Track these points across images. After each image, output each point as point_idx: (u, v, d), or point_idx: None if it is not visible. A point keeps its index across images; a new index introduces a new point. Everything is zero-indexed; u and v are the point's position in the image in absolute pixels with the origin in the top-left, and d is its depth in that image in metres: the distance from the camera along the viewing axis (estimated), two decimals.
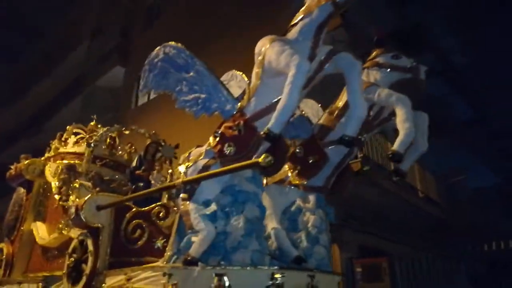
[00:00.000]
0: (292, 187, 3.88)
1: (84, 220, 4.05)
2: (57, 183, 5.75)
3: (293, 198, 3.89)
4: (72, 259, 4.10)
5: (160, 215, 4.16)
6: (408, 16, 10.03)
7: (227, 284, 2.94)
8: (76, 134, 6.96)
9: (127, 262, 3.98)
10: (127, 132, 6.18)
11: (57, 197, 5.43)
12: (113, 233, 4.13)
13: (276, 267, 3.01)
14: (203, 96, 3.46)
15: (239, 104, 3.36)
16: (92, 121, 6.82)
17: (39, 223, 5.94)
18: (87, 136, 6.65)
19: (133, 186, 5.49)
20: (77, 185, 5.08)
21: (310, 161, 3.74)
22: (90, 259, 3.89)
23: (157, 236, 4.12)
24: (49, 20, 21.72)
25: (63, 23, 21.39)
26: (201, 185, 3.34)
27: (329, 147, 3.79)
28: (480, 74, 12.47)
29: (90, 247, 3.94)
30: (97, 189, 4.61)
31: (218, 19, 11.54)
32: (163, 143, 6.03)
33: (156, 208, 4.20)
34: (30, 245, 5.97)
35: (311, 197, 3.88)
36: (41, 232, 5.77)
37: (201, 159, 3.42)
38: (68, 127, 7.03)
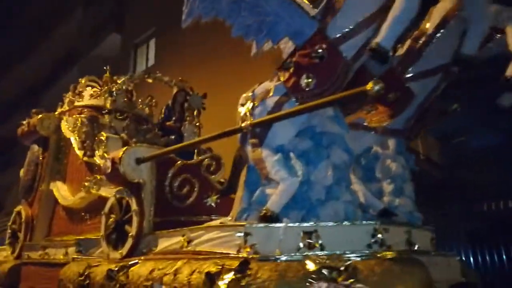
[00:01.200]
0: (368, 131, 3.30)
1: (123, 175, 3.49)
2: (77, 137, 5.18)
3: (368, 144, 3.33)
4: (112, 220, 3.57)
5: (211, 168, 3.61)
6: None
7: (319, 242, 2.43)
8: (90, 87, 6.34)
9: (175, 222, 3.46)
10: (150, 80, 5.52)
11: (79, 153, 4.86)
12: (157, 190, 3.58)
13: (376, 222, 2.49)
14: (268, 18, 2.80)
15: (318, 24, 2.70)
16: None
17: (59, 183, 5.41)
18: (105, 87, 6.01)
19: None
20: (104, 138, 4.52)
21: (391, 99, 3.14)
22: (135, 219, 3.36)
23: (208, 192, 3.59)
24: None
25: None
26: (273, 128, 2.76)
27: (413, 82, 3.19)
28: None
29: (134, 206, 3.40)
30: (134, 140, 4.03)
31: None
32: (190, 92, 5.40)
33: (206, 160, 3.64)
34: (51, 207, 5.47)
35: (391, 142, 3.31)
36: (63, 192, 5.25)
37: (270, 96, 2.81)
38: (80, 79, 6.37)
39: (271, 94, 2.81)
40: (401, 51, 3.28)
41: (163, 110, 5.25)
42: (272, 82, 2.87)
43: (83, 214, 4.74)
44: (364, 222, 2.52)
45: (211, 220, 3.34)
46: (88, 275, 3.28)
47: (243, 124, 2.78)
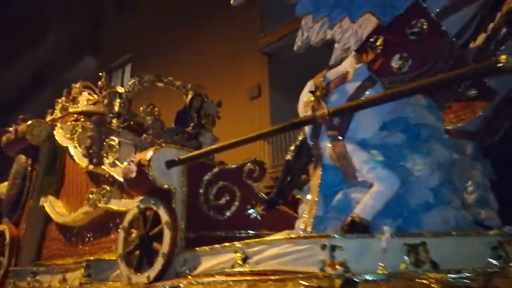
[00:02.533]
0: None
1: (152, 180, 2.91)
2: (76, 145, 4.53)
3: None
4: (134, 236, 2.94)
5: (254, 174, 3.07)
6: None
7: (429, 258, 1.93)
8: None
9: (212, 237, 2.89)
10: (160, 84, 4.97)
11: (83, 161, 4.21)
12: (189, 199, 3.00)
13: (500, 232, 2.02)
14: None
15: None
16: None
17: (52, 198, 4.71)
18: (104, 92, 5.42)
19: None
20: (115, 143, 3.92)
21: (470, 96, 2.74)
22: (168, 234, 2.75)
23: (251, 202, 3.04)
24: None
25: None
26: (355, 118, 2.28)
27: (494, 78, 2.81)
28: None
29: (166, 217, 2.79)
30: (161, 140, 3.45)
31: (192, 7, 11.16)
32: (205, 99, 4.88)
33: (248, 165, 3.10)
34: (40, 226, 4.75)
35: (468, 146, 2.89)
36: (57, 208, 4.55)
37: (349, 81, 2.35)
38: (74, 85, 5.75)
39: (350, 77, 2.35)
40: (479, 40, 2.91)
41: (175, 117, 4.70)
42: (349, 64, 2.42)
43: (85, 233, 4.06)
44: (482, 232, 2.04)
45: (262, 235, 2.78)
46: None
47: (317, 113, 2.29)
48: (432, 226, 2.05)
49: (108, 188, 3.79)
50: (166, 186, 2.95)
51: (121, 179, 3.69)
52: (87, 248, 3.95)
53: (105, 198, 3.75)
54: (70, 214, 4.25)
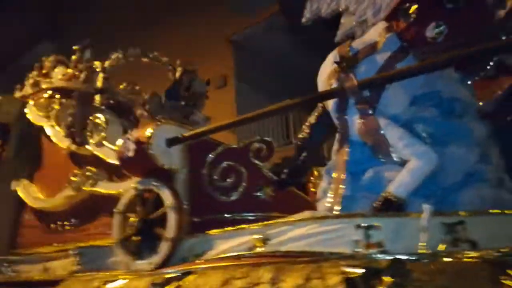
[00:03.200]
0: None
1: (152, 159, 2.66)
2: (54, 124, 4.16)
3: None
4: (133, 220, 2.69)
5: (262, 154, 2.88)
6: None
7: (469, 238, 1.83)
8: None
9: (219, 221, 2.70)
10: (145, 59, 4.64)
11: (64, 142, 3.85)
12: (191, 180, 2.78)
13: None
14: None
15: None
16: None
17: (25, 182, 4.32)
18: (81, 66, 5.02)
19: None
20: (103, 121, 3.60)
21: (490, 75, 2.66)
22: (173, 217, 2.52)
23: (259, 183, 2.85)
24: None
25: None
26: (385, 91, 2.14)
27: None
28: None
29: (170, 199, 2.56)
30: (159, 116, 3.18)
31: None
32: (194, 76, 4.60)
33: (255, 144, 2.90)
34: (13, 212, 4.36)
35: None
36: (32, 193, 4.18)
37: (379, 51, 2.20)
38: (45, 58, 5.30)
39: (380, 48, 2.20)
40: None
41: (163, 96, 4.40)
42: (377, 33, 2.26)
43: (67, 218, 3.74)
44: None
45: (272, 218, 2.60)
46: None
47: (345, 85, 2.13)
48: (469, 205, 1.95)
49: (94, 170, 3.50)
50: (167, 166, 2.71)
51: (109, 160, 3.43)
52: (70, 234, 3.63)
53: (90, 181, 3.45)
54: (48, 199, 3.91)
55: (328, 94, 2.22)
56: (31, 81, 5.14)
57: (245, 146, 2.90)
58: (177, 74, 4.43)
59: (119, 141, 2.85)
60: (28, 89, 5.05)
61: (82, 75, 4.95)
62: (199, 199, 2.74)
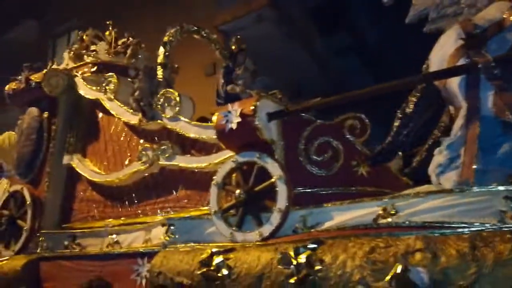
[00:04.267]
0: None
1: (257, 131, 2.67)
2: (111, 97, 4.08)
3: None
4: (238, 191, 2.69)
5: (356, 130, 2.91)
6: None
7: None
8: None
9: (316, 194, 2.74)
10: (197, 36, 4.57)
11: (132, 117, 3.77)
12: (288, 154, 2.80)
13: None
14: None
15: None
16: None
17: (78, 156, 4.25)
18: (121, 42, 4.94)
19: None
20: (175, 95, 3.56)
21: None
22: (283, 189, 2.54)
23: (355, 158, 2.89)
24: None
25: None
26: None
27: None
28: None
29: (278, 172, 2.56)
30: (255, 91, 3.15)
31: None
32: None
33: (349, 120, 2.93)
34: (63, 186, 4.30)
35: None
36: (88, 166, 4.12)
37: (507, 30, 2.24)
38: (82, 33, 5.18)
39: (507, 25, 2.24)
40: None
41: (222, 74, 4.34)
42: (500, 11, 2.30)
43: (132, 192, 3.70)
44: None
45: (371, 193, 2.66)
46: (225, 265, 2.39)
47: (480, 61, 2.17)
48: None
49: (169, 144, 3.47)
50: (269, 139, 2.72)
51: (186, 134, 3.41)
52: (138, 209, 3.61)
53: (167, 155, 3.43)
54: (111, 173, 3.85)
55: (458, 70, 2.26)
56: (71, 54, 5.03)
57: (339, 122, 2.94)
58: (234, 49, 4.38)
59: (219, 114, 2.83)
60: (69, 63, 4.94)
61: (129, 51, 4.90)
62: (296, 173, 2.76)
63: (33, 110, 4.60)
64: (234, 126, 2.71)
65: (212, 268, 2.43)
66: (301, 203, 2.62)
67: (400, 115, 2.72)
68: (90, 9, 11.95)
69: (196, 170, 3.32)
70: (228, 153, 3.08)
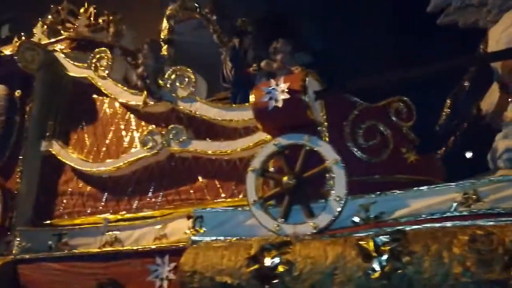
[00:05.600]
0: None
1: (308, 109, 2.36)
2: (104, 75, 3.57)
3: None
4: (284, 178, 2.34)
5: (402, 114, 2.69)
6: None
7: None
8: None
9: (366, 182, 2.49)
10: (197, 16, 4.15)
11: (133, 97, 3.29)
12: (332, 138, 2.52)
13: None
14: None
15: None
16: None
17: (59, 142, 3.66)
18: (102, 20, 4.43)
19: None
20: (190, 73, 3.15)
21: None
22: (341, 174, 2.22)
23: (403, 144, 2.66)
24: None
25: None
26: None
27: None
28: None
29: (333, 156, 2.25)
30: (296, 67, 2.80)
31: None
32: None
33: (394, 103, 2.71)
34: (43, 178, 3.68)
35: None
36: (71, 154, 3.56)
37: None
38: (59, 7, 4.58)
39: None
40: None
41: (227, 56, 3.96)
42: None
43: (133, 183, 3.20)
44: None
45: (423, 182, 2.45)
46: (283, 261, 2.05)
47: None
48: None
49: (182, 128, 3.05)
50: (317, 119, 2.43)
51: (204, 117, 3.02)
52: (141, 201, 3.13)
53: (180, 140, 3.00)
54: (105, 162, 3.33)
55: None
56: (44, 28, 4.41)
57: (385, 105, 2.71)
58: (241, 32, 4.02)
59: (259, 90, 2.48)
60: (42, 37, 4.31)
61: (111, 28, 4.39)
62: (343, 158, 2.49)
63: (2, 88, 3.92)
64: (280, 104, 2.38)
65: (265, 265, 2.08)
66: (352, 191, 2.36)
67: (451, 101, 2.56)
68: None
69: (214, 157, 2.95)
70: (256, 138, 2.77)
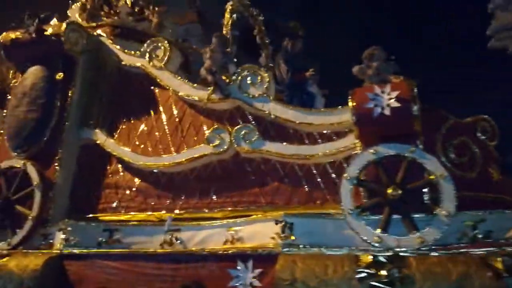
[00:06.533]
0: None
1: (414, 121, 2.31)
2: (161, 65, 3.39)
3: None
4: (391, 190, 2.25)
5: (487, 133, 2.69)
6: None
7: None
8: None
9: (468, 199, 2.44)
10: (246, 13, 4.03)
11: (199, 93, 3.11)
12: (427, 151, 2.47)
13: None
14: None
15: None
16: None
17: (104, 132, 3.43)
18: (148, 11, 4.26)
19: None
20: (264, 73, 3.03)
21: None
22: (449, 189, 2.16)
23: (491, 163, 2.65)
24: None
25: None
26: None
27: None
28: None
29: (439, 170, 2.19)
30: (393, 76, 2.71)
31: None
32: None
33: (481, 121, 2.70)
34: (81, 168, 3.44)
35: None
36: (122, 146, 3.34)
37: None
38: None
39: None
40: None
41: (281, 58, 3.85)
42: None
43: (191, 182, 3.01)
44: None
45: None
46: (400, 275, 1.96)
47: None
48: None
49: (251, 126, 2.92)
50: (418, 130, 2.38)
51: (277, 117, 2.90)
52: (201, 201, 2.95)
53: (253, 140, 2.87)
54: (162, 157, 3.12)
55: None
56: (83, 13, 4.17)
57: (472, 123, 2.70)
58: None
59: (363, 95, 2.40)
60: (79, 20, 4.05)
61: (154, 19, 4.21)
62: None
63: (40, 69, 3.63)
64: (387, 111, 2.32)
65: (381, 278, 2.00)
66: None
67: None
68: None
69: (287, 161, 2.83)
70: (339, 145, 2.69)
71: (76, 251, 2.83)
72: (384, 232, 2.25)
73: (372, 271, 2.02)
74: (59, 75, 3.60)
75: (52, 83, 3.59)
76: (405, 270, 2.00)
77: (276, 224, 2.41)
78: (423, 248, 2.13)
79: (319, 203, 2.69)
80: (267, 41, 4.32)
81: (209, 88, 3.11)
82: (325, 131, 2.81)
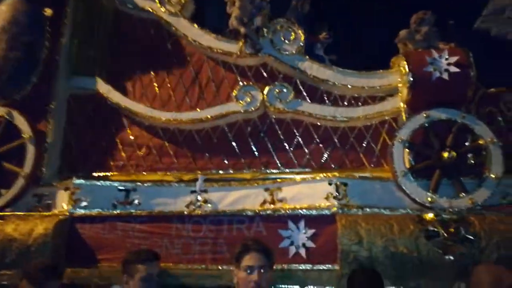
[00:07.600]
0: None
1: (470, 86, 2.38)
2: (177, 12, 3.05)
3: None
4: (447, 153, 2.31)
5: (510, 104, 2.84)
6: None
7: None
8: None
9: None
10: None
11: (228, 46, 2.83)
12: None
13: None
14: None
15: None
16: None
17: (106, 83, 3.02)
18: None
19: None
20: (297, 29, 2.85)
21: None
22: (497, 154, 2.26)
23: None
24: None
25: None
26: None
27: None
28: None
29: (488, 135, 2.31)
30: (442, 43, 2.64)
31: None
32: None
33: (502, 93, 2.83)
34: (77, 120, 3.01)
35: None
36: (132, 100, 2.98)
37: None
38: None
39: None
40: None
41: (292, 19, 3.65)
42: None
43: (206, 140, 2.80)
44: None
45: None
46: (467, 234, 2.03)
47: None
48: None
49: (287, 85, 2.76)
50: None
51: (314, 76, 2.78)
52: (226, 161, 2.75)
53: (288, 100, 2.72)
54: (182, 113, 2.83)
55: None
56: None
57: (496, 93, 2.82)
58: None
59: (420, 58, 2.37)
60: None
61: None
62: None
63: (21, 1, 3.06)
64: (445, 76, 2.34)
65: (449, 235, 2.05)
66: None
67: None
68: None
69: (320, 123, 2.75)
70: (379, 108, 2.69)
71: (92, 212, 2.50)
72: (436, 194, 2.32)
73: (439, 230, 2.08)
74: (47, 11, 3.08)
75: (38, 20, 3.06)
76: (470, 228, 2.09)
77: (330, 184, 2.35)
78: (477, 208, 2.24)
79: (356, 165, 2.69)
80: None
81: (233, 40, 2.88)
82: (361, 95, 2.79)
